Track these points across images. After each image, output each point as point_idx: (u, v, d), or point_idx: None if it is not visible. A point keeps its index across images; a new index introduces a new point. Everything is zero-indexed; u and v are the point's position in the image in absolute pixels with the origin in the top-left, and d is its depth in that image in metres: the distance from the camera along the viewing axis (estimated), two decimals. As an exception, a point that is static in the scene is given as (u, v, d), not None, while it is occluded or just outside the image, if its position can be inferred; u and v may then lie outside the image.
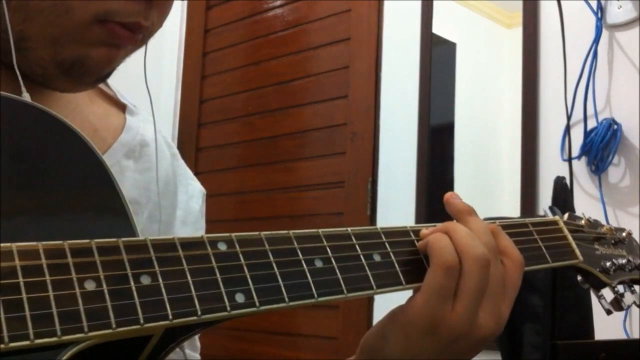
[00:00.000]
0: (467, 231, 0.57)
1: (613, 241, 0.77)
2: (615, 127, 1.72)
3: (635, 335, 1.59)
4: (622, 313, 1.60)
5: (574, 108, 1.78)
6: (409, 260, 0.56)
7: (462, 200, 0.61)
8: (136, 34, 0.59)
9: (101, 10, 0.56)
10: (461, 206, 0.60)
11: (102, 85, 0.73)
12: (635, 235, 1.68)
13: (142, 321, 0.41)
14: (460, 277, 0.54)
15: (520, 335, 1.12)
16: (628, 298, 0.74)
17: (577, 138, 1.77)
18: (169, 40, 2.87)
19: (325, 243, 0.53)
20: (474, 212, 0.60)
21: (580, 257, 0.69)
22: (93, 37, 0.57)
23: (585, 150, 1.75)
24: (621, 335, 1.60)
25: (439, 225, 0.58)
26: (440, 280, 0.54)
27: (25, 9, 0.55)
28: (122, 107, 0.73)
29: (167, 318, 0.42)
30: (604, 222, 1.71)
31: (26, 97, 0.55)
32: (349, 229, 0.55)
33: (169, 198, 0.74)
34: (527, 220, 0.68)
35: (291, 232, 0.51)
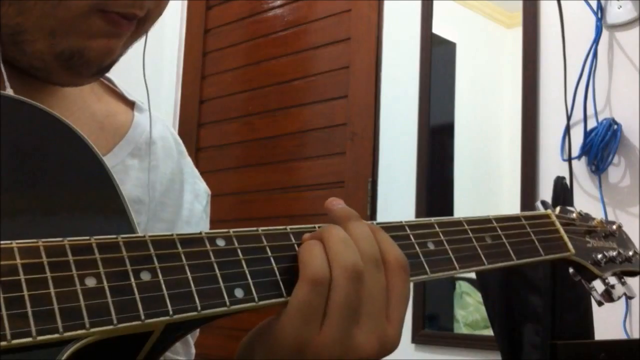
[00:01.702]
0: (342, 237, 0.50)
1: (604, 234, 0.78)
2: (615, 127, 1.72)
3: (635, 335, 1.59)
4: (622, 313, 1.60)
5: (574, 108, 1.78)
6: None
7: (343, 206, 0.54)
8: (132, 20, 0.59)
9: (99, 1, 0.56)
10: (340, 212, 0.53)
11: (110, 84, 0.73)
12: (635, 235, 1.68)
13: (143, 317, 0.41)
14: (329, 292, 0.48)
15: (520, 335, 1.12)
16: (619, 289, 0.75)
17: (577, 138, 1.77)
18: (169, 40, 2.88)
19: None
20: (355, 217, 0.53)
21: (572, 250, 0.70)
22: (92, 28, 0.57)
23: (585, 150, 1.75)
24: (621, 335, 1.60)
25: (317, 230, 0.52)
26: (305, 296, 0.47)
27: (20, 2, 0.55)
28: (130, 105, 0.73)
29: (167, 314, 0.42)
30: (603, 222, 1.70)
31: (9, 92, 0.55)
32: None
33: (173, 197, 0.73)
34: (520, 214, 0.68)
35: (288, 227, 0.52)
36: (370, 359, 0.49)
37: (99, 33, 0.57)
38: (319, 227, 0.53)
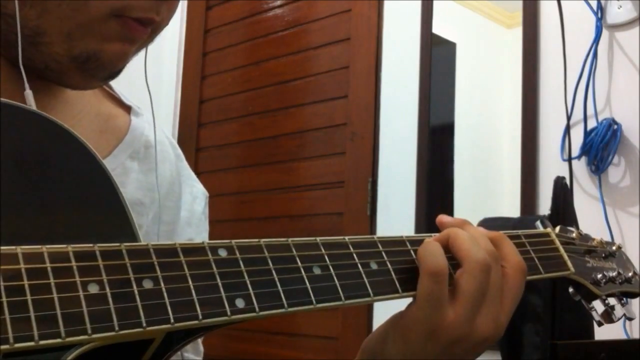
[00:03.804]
0: (469, 236, 0.57)
1: (603, 254, 0.78)
2: (615, 127, 1.72)
3: (635, 335, 1.59)
4: (622, 313, 1.60)
5: (574, 108, 1.78)
6: (405, 269, 0.57)
7: (453, 217, 0.62)
8: (147, 27, 0.60)
9: (118, 6, 0.57)
10: (455, 220, 0.61)
11: (107, 87, 0.74)
12: (635, 235, 1.68)
13: (144, 324, 0.42)
14: (461, 281, 0.55)
15: (520, 335, 1.12)
16: (618, 310, 0.75)
17: (577, 138, 1.77)
18: (169, 40, 2.88)
19: (323, 251, 0.53)
20: (468, 222, 0.61)
21: (572, 269, 0.70)
22: (109, 32, 0.58)
23: (585, 150, 1.76)
24: (621, 335, 1.60)
25: (441, 233, 0.59)
26: (428, 286, 0.54)
27: (41, 4, 0.56)
28: (127, 109, 0.74)
29: (169, 321, 0.43)
30: (603, 222, 1.71)
31: (29, 94, 0.55)
32: (346, 237, 0.56)
33: (173, 199, 0.74)
34: (520, 232, 0.68)
35: (290, 239, 0.52)
36: (488, 340, 0.56)
37: (115, 37, 0.59)
38: (319, 240, 0.54)
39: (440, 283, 0.54)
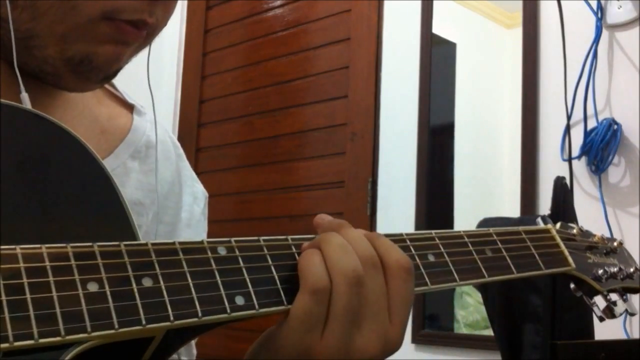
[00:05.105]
0: (340, 243, 0.50)
1: (605, 250, 0.78)
2: (615, 127, 1.72)
3: (635, 335, 1.59)
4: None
5: (574, 108, 1.78)
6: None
7: (332, 218, 0.55)
8: (141, 30, 0.60)
9: (108, 8, 0.57)
10: (331, 222, 0.54)
11: (110, 87, 0.74)
12: (635, 235, 1.68)
13: (144, 322, 0.42)
14: (330, 299, 0.48)
15: (520, 335, 1.12)
16: (620, 306, 0.75)
17: (577, 138, 1.77)
18: (169, 40, 2.88)
19: None
20: (347, 224, 0.54)
21: (573, 265, 0.70)
22: (100, 34, 0.58)
23: (585, 150, 1.75)
24: (621, 335, 1.60)
25: (315, 238, 0.52)
26: (306, 306, 0.48)
27: (33, 7, 0.56)
28: (130, 108, 0.74)
29: (168, 319, 0.43)
30: (603, 222, 1.71)
31: (25, 97, 0.55)
32: None
33: (173, 199, 0.74)
34: (521, 228, 0.68)
35: (289, 237, 0.52)
36: (374, 358, 0.49)
37: (107, 39, 0.58)
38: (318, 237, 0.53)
39: (320, 303, 0.48)
